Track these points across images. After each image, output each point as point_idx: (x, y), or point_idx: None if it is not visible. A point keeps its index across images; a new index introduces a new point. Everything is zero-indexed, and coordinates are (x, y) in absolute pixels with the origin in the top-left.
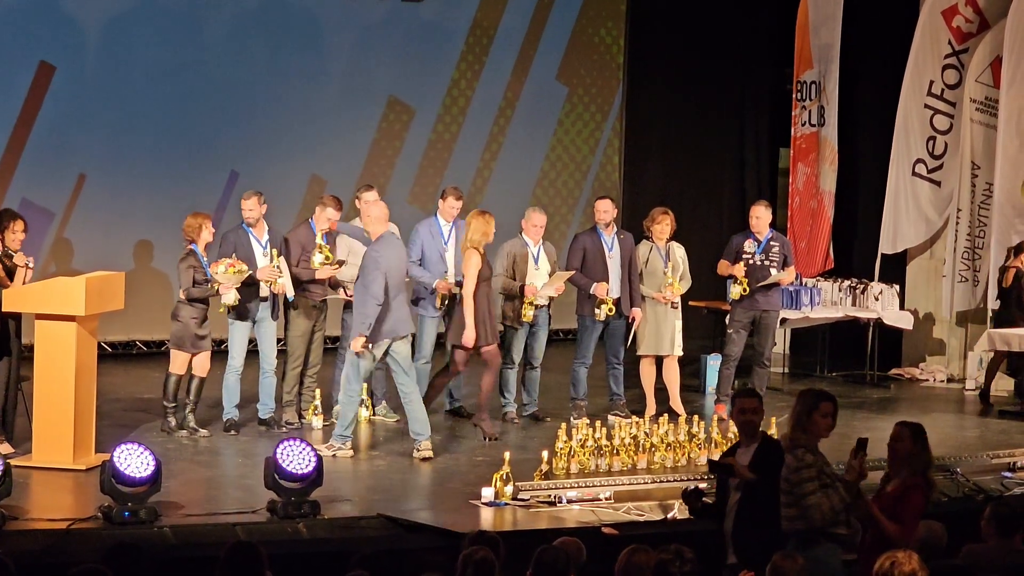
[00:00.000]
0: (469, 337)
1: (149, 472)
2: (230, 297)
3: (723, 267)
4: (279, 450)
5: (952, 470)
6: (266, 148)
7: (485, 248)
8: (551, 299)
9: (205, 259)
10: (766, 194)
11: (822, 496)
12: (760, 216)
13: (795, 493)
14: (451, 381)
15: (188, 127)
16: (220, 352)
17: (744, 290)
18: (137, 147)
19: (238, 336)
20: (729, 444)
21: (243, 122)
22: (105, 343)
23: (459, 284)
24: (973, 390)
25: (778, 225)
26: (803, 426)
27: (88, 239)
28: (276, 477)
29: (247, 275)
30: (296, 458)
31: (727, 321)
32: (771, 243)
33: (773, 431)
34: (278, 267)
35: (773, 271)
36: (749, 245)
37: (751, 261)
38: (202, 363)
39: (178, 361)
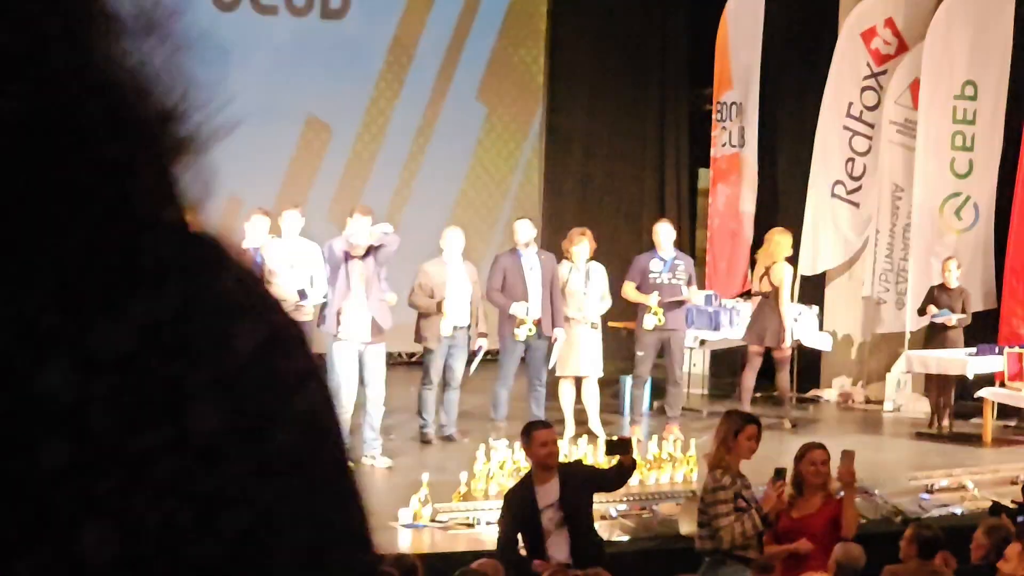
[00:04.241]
0: (787, 337)
1: None
2: None
3: (632, 293)
4: None
5: (870, 492)
6: None
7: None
8: (472, 320)
9: None
10: (686, 215)
11: (735, 520)
12: (665, 234)
13: (708, 514)
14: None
15: None
16: None
17: (660, 321)
18: None
19: None
20: (650, 465)
21: None
22: None
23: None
24: (891, 411)
25: (697, 246)
26: (727, 447)
27: None
28: None
29: None
30: None
31: (635, 342)
32: (676, 262)
33: (693, 453)
34: None
35: (684, 290)
36: (655, 264)
37: (658, 280)
38: None
39: None
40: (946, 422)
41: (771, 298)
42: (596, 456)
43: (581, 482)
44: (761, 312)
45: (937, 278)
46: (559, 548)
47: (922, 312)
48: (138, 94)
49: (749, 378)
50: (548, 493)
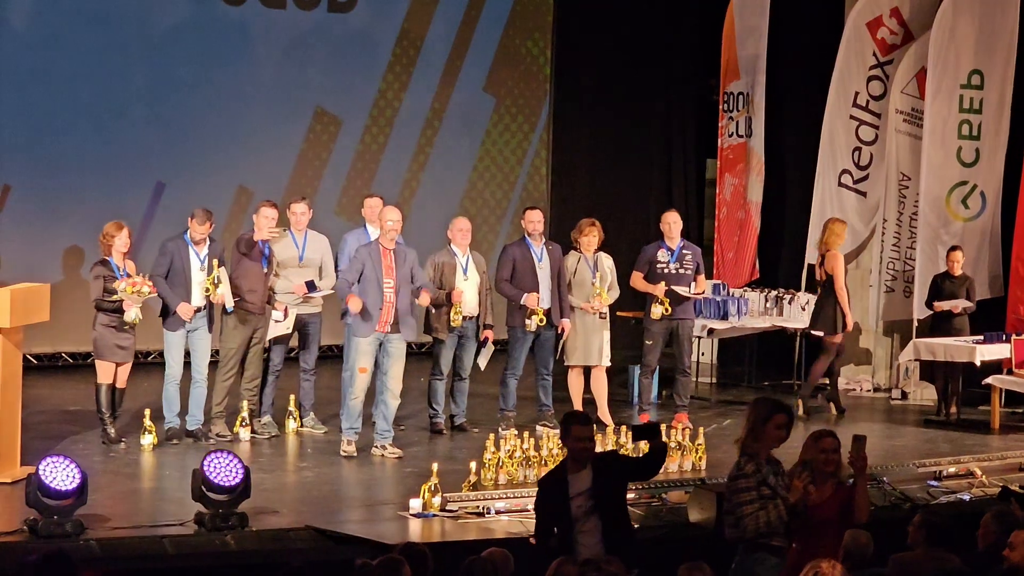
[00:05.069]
0: (851, 324)
1: (75, 485)
2: (131, 315)
3: (640, 283)
4: (206, 462)
5: (879, 479)
6: (192, 159)
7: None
8: (481, 311)
9: (122, 269)
10: (693, 205)
11: (759, 509)
12: (674, 223)
13: (732, 501)
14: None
15: (113, 138)
16: (151, 363)
17: (666, 310)
18: (62, 158)
19: (172, 345)
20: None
21: (169, 133)
22: (30, 355)
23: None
24: (899, 399)
25: (705, 236)
26: (755, 434)
27: (14, 251)
28: (204, 489)
29: (147, 296)
30: (224, 470)
31: (644, 332)
32: (683, 251)
33: (701, 441)
34: (218, 277)
35: (692, 285)
36: (662, 254)
37: (666, 270)
38: (121, 374)
39: (103, 371)
40: (953, 409)
41: (826, 286)
42: (605, 444)
43: (615, 472)
44: (818, 299)
45: (942, 266)
46: (590, 536)
47: (929, 305)
48: None
49: (819, 364)
50: (580, 481)
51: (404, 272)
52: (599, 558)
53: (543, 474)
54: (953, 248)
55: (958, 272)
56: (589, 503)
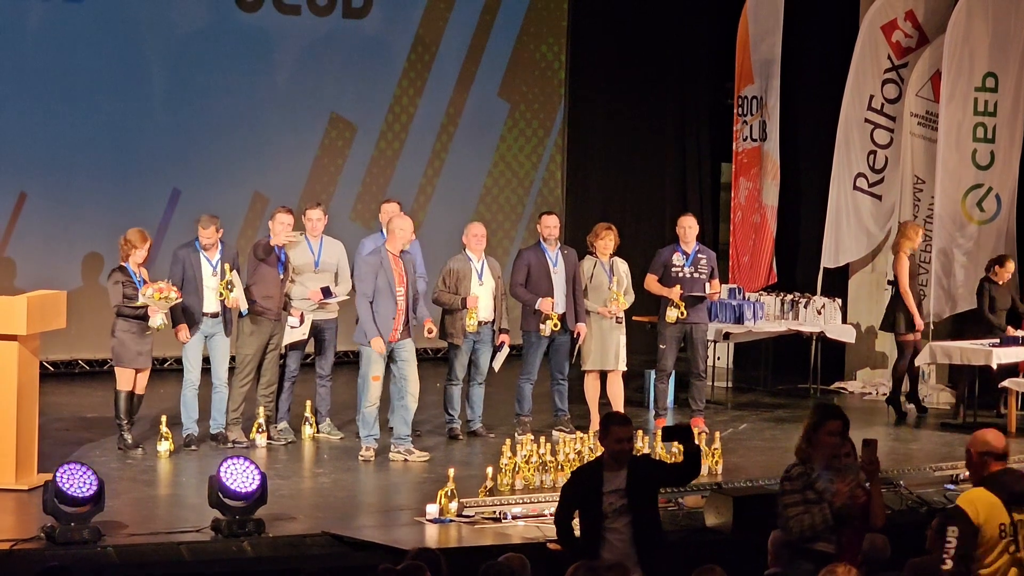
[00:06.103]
0: (920, 323)
1: (92, 491)
2: (157, 320)
3: (655, 286)
4: (223, 468)
5: (895, 483)
6: (208, 165)
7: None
8: (495, 315)
9: (139, 275)
10: (708, 209)
11: (804, 512)
12: (690, 227)
13: (779, 503)
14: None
15: (129, 145)
16: (168, 370)
17: (682, 314)
18: (78, 165)
19: (190, 351)
20: (673, 459)
21: (185, 139)
22: (47, 362)
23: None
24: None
25: (720, 240)
26: (809, 440)
27: (30, 258)
28: (220, 495)
29: (174, 302)
30: (240, 476)
31: (658, 336)
32: (699, 255)
33: (717, 445)
34: (231, 282)
35: (707, 287)
36: (677, 258)
37: (680, 274)
38: (140, 380)
39: (123, 377)
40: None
41: (894, 287)
42: None
43: (650, 475)
44: (889, 301)
45: (960, 270)
46: (618, 536)
47: (980, 312)
48: None
49: (898, 366)
50: (615, 480)
51: (412, 278)
52: (603, 564)
53: (564, 476)
54: (1005, 258)
55: (1006, 279)
56: (621, 502)
